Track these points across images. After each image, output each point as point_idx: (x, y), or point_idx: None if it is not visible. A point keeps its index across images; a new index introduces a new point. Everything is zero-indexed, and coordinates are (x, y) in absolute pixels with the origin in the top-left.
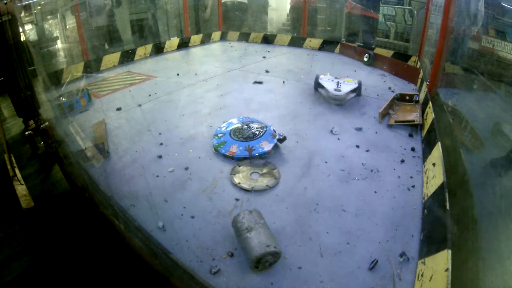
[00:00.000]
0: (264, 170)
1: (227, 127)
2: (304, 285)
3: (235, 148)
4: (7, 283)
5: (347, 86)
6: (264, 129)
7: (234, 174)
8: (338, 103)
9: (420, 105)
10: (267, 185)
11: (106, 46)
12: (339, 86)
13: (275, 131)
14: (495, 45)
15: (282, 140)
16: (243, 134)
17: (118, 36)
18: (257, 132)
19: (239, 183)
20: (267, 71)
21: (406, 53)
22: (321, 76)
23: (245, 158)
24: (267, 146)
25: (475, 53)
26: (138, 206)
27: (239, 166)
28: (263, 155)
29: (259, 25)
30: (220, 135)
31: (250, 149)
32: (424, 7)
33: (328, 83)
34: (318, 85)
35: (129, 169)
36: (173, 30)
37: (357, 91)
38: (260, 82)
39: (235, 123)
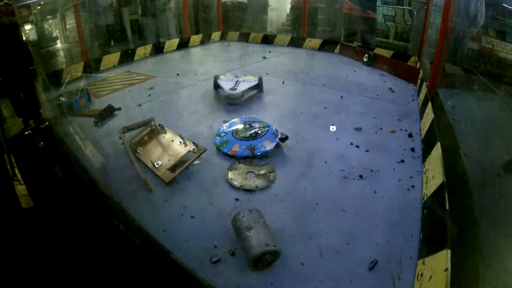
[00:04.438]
0: (262, 171)
1: (229, 127)
2: (304, 284)
3: (237, 147)
4: (7, 283)
5: (244, 85)
6: (266, 129)
7: (230, 170)
8: (234, 102)
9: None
10: (256, 186)
11: (112, 43)
12: (236, 85)
13: (277, 130)
14: (495, 46)
15: (284, 139)
16: (245, 134)
17: (118, 36)
18: (259, 131)
19: (231, 179)
20: (267, 74)
21: (406, 53)
22: (221, 76)
23: (247, 157)
24: (269, 145)
25: (475, 53)
26: (138, 206)
27: (239, 163)
28: (265, 154)
29: (259, 25)
30: (222, 134)
31: (252, 148)
32: (424, 7)
33: (226, 83)
34: (216, 86)
35: (129, 169)
36: (172, 30)
37: (258, 88)
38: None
39: (237, 123)
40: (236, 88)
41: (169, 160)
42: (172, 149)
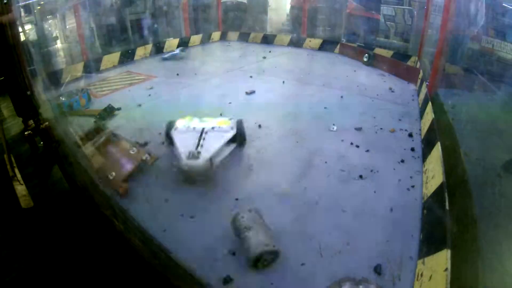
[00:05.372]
0: None
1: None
2: (304, 284)
3: None
4: (7, 283)
5: (214, 141)
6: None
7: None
8: (196, 178)
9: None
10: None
11: (113, 43)
12: (199, 144)
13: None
14: (495, 46)
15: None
16: None
17: (117, 36)
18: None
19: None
20: (264, 71)
21: (406, 53)
22: (177, 123)
23: None
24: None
25: (475, 53)
26: (138, 207)
27: None
28: None
29: (259, 25)
30: None
31: None
32: (424, 7)
33: (184, 138)
34: (170, 140)
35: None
36: (172, 30)
37: (237, 138)
38: (253, 92)
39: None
40: (199, 153)
41: (123, 170)
42: (125, 158)
